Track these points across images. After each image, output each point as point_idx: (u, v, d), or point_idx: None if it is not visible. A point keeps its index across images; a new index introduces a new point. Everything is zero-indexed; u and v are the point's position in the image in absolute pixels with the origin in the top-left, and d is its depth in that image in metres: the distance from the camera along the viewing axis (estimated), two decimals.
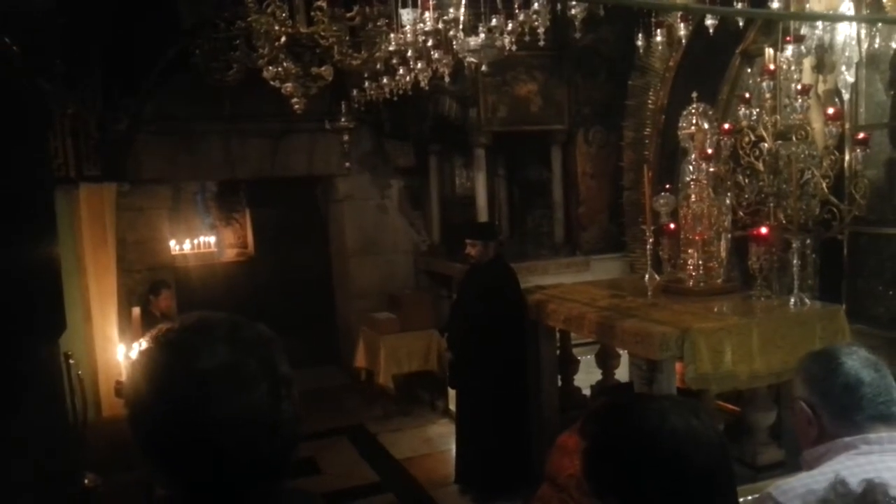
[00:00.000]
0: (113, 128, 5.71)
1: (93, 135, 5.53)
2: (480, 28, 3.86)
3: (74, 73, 4.97)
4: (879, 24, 4.53)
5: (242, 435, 1.00)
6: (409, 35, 4.19)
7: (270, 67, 4.35)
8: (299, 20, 3.91)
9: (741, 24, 4.89)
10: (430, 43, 4.19)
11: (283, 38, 3.85)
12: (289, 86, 4.58)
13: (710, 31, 4.22)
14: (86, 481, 3.01)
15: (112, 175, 5.87)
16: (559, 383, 4.81)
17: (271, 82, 4.51)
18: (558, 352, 4.81)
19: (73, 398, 3.52)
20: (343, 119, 6.23)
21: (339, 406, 6.87)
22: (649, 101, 6.08)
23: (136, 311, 5.16)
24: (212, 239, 10.57)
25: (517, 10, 3.66)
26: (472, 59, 4.09)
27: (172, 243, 9.30)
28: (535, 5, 3.47)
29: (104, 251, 5.84)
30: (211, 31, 3.99)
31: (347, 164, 6.65)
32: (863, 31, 4.54)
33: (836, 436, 1.56)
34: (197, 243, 10.39)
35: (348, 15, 4.29)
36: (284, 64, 4.37)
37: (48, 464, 2.28)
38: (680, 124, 4.52)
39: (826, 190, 3.90)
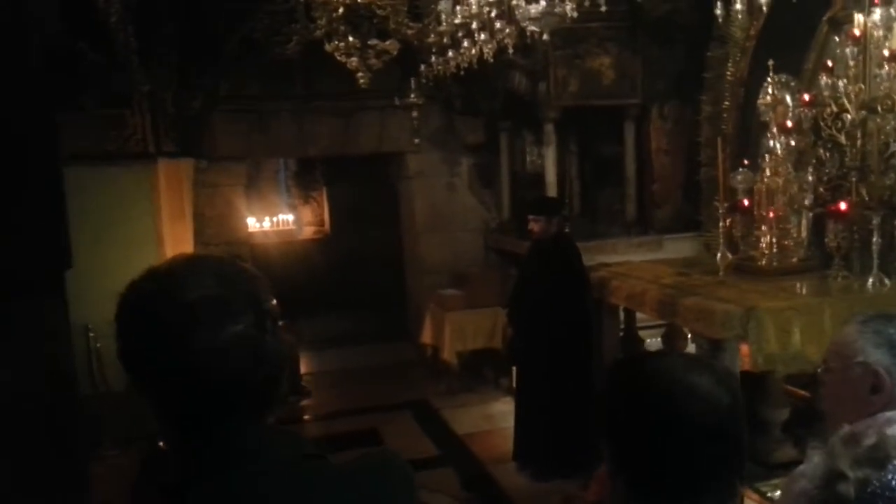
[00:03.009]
0: (188, 105, 5.89)
1: (169, 112, 5.73)
2: None
3: (150, 51, 5.15)
4: None
5: (228, 365, 1.02)
6: (473, 6, 4.14)
7: (333, 41, 4.38)
8: None
9: None
10: (493, 14, 4.12)
11: (340, 9, 3.85)
12: (353, 60, 4.60)
13: None
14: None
15: (189, 151, 6.07)
16: None
17: (336, 56, 4.55)
18: (622, 331, 4.67)
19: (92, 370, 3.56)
20: (412, 95, 6.23)
21: (404, 381, 6.94)
22: (728, 73, 5.77)
23: None
24: (290, 217, 10.84)
25: None
26: (534, 28, 4.00)
27: (252, 220, 9.61)
28: None
29: (182, 224, 6.05)
30: (269, 4, 4.04)
31: (417, 140, 6.67)
32: None
33: None
34: (276, 221, 10.68)
35: None
36: (348, 38, 4.39)
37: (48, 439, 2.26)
38: (760, 96, 4.30)
39: None
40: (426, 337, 6.74)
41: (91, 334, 4.63)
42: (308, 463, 1.07)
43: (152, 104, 5.47)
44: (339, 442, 5.13)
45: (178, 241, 6.05)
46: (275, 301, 1.10)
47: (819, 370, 1.61)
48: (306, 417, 6.28)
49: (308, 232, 10.99)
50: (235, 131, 6.76)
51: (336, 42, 4.32)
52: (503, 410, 5.76)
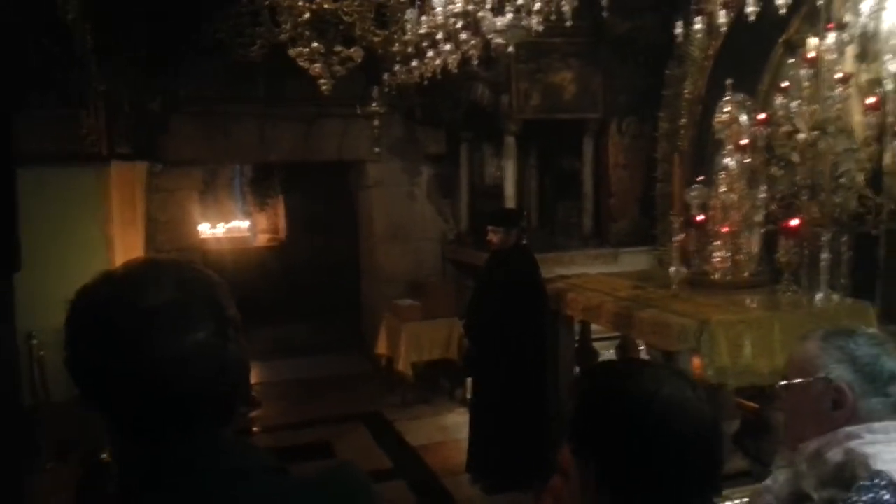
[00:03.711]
0: (146, 107, 5.76)
1: (126, 113, 5.59)
2: (507, 8, 3.78)
3: (108, 51, 5.02)
4: None
5: (188, 375, 0.97)
6: (439, 17, 4.14)
7: (297, 46, 4.34)
8: None
9: (784, 11, 4.72)
10: (459, 25, 4.13)
11: (306, 14, 3.81)
12: (317, 66, 4.56)
13: (752, 18, 4.07)
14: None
15: (144, 154, 5.93)
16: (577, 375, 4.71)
17: (298, 62, 4.51)
18: (577, 343, 4.70)
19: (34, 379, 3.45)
20: (374, 104, 6.21)
21: (358, 392, 6.86)
22: (686, 91, 5.90)
23: None
24: (245, 223, 10.70)
25: None
26: (499, 40, 4.02)
27: (206, 226, 9.45)
28: None
29: (133, 229, 5.90)
30: (234, 5, 3.98)
31: (377, 149, 6.64)
32: None
33: (868, 421, 1.44)
34: (231, 227, 10.53)
35: None
36: (312, 44, 4.36)
37: None
38: (716, 114, 4.38)
39: (863, 182, 3.72)
40: (381, 347, 6.68)
41: (34, 342, 4.45)
42: (269, 475, 1.03)
43: (109, 105, 5.33)
44: (291, 455, 5.01)
45: (128, 246, 5.89)
46: (235, 308, 1.05)
47: (778, 385, 1.61)
48: (255, 429, 6.11)
49: (263, 239, 10.86)
50: (194, 135, 6.63)
51: (300, 47, 4.28)
52: (458, 421, 5.72)
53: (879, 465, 1.31)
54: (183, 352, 0.96)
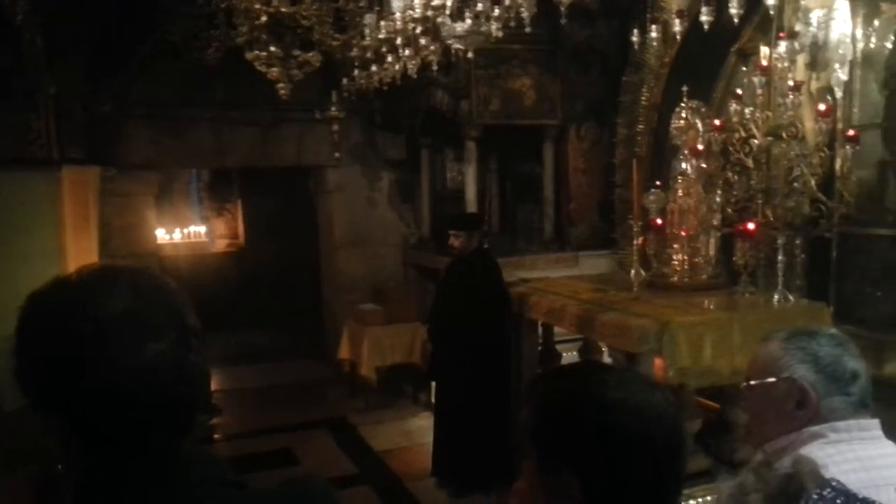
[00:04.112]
0: (98, 110, 5.63)
1: (77, 116, 5.46)
2: (467, 14, 3.80)
3: (58, 51, 4.89)
4: (875, 23, 4.48)
5: (147, 385, 0.94)
6: (398, 22, 4.14)
7: (254, 51, 4.29)
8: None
9: (737, 21, 4.83)
10: (418, 30, 4.13)
11: (263, 17, 3.78)
12: (274, 70, 4.52)
13: (706, 27, 4.15)
14: None
15: (97, 159, 5.79)
16: None
17: (256, 66, 4.46)
18: (540, 346, 4.73)
19: None
20: (333, 109, 6.18)
21: (321, 398, 6.82)
22: (643, 98, 6.00)
23: None
24: (202, 229, 10.52)
25: None
26: (459, 46, 4.04)
27: (162, 232, 9.27)
28: None
29: (86, 235, 5.76)
30: (189, 7, 3.92)
31: (337, 154, 6.61)
32: (858, 31, 4.48)
33: (831, 420, 1.47)
34: (188, 233, 10.34)
35: None
36: (270, 48, 4.31)
37: None
38: (672, 121, 4.46)
39: (815, 187, 3.83)
40: (344, 352, 6.64)
41: None
42: (229, 489, 1.01)
43: (58, 107, 5.19)
44: (253, 462, 4.96)
45: (81, 253, 5.74)
46: (195, 316, 1.03)
47: (742, 386, 1.63)
48: (216, 437, 6.03)
49: (221, 245, 10.69)
50: (148, 138, 6.52)
51: (257, 51, 4.23)
52: (422, 426, 5.72)
53: (832, 471, 1.33)
54: (142, 362, 0.93)
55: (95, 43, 5.10)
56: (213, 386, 6.90)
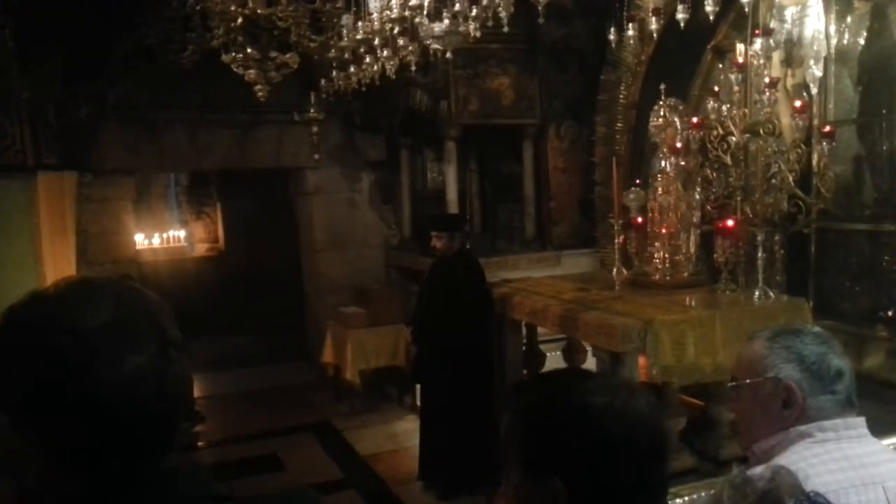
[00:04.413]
0: (73, 114, 5.55)
1: (51, 121, 5.37)
2: (444, 14, 3.79)
3: (32, 55, 4.82)
4: (848, 20, 4.53)
5: (128, 399, 0.92)
6: (376, 23, 4.12)
7: (231, 53, 4.25)
8: (257, 0, 3.80)
9: (712, 18, 4.87)
10: (396, 30, 4.11)
11: (239, 19, 3.74)
12: (252, 72, 4.47)
13: (682, 25, 4.17)
14: None
15: (73, 164, 5.71)
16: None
17: (233, 68, 4.41)
18: (524, 346, 4.73)
19: None
20: (312, 110, 6.15)
21: (305, 402, 6.77)
22: (621, 97, 6.02)
23: None
24: (181, 233, 10.43)
25: None
26: (437, 46, 4.03)
27: (140, 237, 9.18)
28: None
29: (64, 242, 5.68)
30: (164, 10, 3.87)
31: (316, 156, 6.58)
32: (832, 27, 4.53)
33: (818, 419, 1.47)
34: (166, 237, 10.25)
35: None
36: (247, 49, 4.27)
37: None
38: (651, 119, 4.48)
39: (792, 183, 3.86)
40: (327, 356, 6.61)
41: None
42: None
43: (33, 112, 5.12)
44: (238, 469, 4.93)
45: (59, 260, 5.66)
46: (177, 328, 1.01)
47: (728, 386, 1.63)
48: (201, 444, 5.99)
49: (201, 249, 10.61)
50: (124, 143, 6.44)
51: (234, 53, 4.19)
52: (408, 429, 5.70)
53: (814, 482, 1.32)
54: (124, 375, 0.91)
55: (70, 47, 5.02)
56: (196, 392, 6.84)
